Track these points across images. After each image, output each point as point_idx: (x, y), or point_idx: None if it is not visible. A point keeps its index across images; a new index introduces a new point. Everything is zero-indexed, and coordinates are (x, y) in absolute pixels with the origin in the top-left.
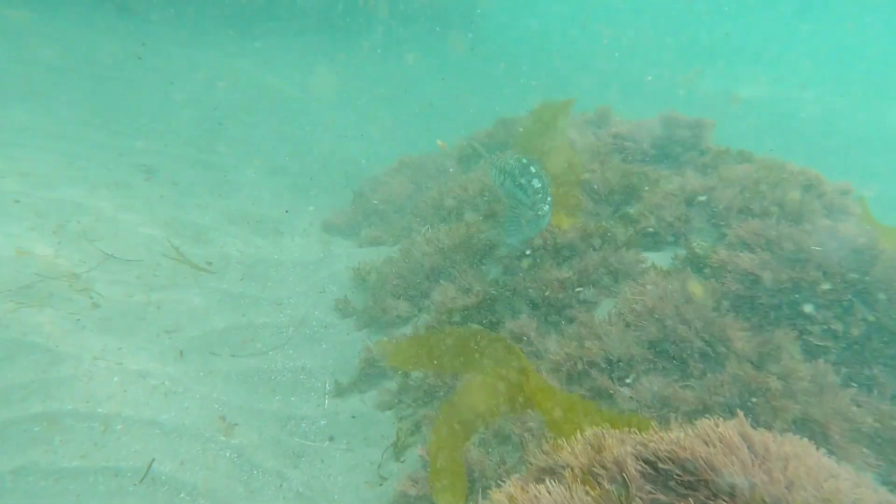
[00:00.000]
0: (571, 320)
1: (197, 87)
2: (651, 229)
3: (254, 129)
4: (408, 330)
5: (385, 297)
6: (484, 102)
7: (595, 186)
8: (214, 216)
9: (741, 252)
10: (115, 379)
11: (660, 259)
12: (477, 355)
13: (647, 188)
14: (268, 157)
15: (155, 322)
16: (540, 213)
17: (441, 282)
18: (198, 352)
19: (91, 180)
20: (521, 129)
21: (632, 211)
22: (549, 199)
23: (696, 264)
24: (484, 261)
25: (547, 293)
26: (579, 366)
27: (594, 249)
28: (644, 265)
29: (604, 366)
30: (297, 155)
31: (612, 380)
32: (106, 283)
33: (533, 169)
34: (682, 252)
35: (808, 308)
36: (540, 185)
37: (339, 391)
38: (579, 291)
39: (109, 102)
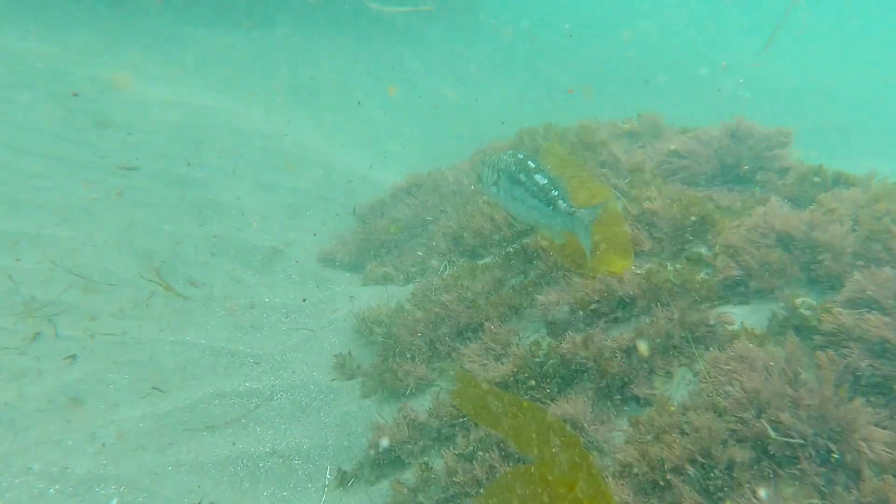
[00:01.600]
0: (638, 400)
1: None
2: (734, 277)
3: (244, 139)
4: (425, 401)
5: (396, 357)
6: (504, 108)
7: (653, 219)
8: (195, 246)
9: (869, 313)
10: (51, 492)
11: (748, 317)
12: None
13: (721, 221)
14: (259, 170)
15: (111, 397)
16: (570, 211)
17: (467, 341)
18: (165, 435)
19: (49, 204)
20: (544, 144)
21: (704, 251)
22: (566, 194)
23: (801, 327)
24: (520, 313)
25: (606, 364)
26: (657, 472)
27: (662, 305)
28: (731, 327)
29: (692, 472)
30: (292, 168)
31: (706, 493)
32: (52, 359)
33: (531, 164)
34: (777, 309)
35: None
36: (546, 181)
37: (342, 481)
38: (647, 361)
39: (76, 108)
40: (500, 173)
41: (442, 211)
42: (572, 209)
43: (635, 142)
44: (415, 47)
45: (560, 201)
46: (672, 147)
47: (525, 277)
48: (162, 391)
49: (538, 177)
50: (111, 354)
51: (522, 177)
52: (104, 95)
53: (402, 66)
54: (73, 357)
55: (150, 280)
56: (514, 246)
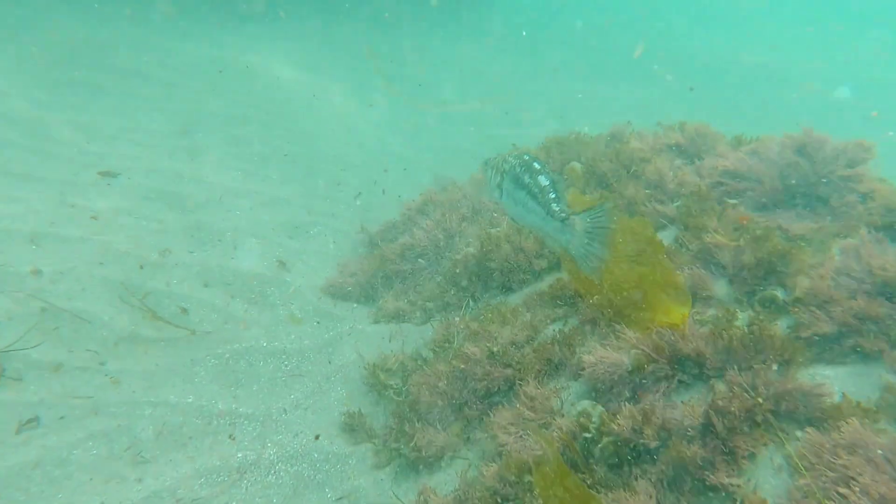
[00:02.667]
0: (715, 491)
1: (183, 79)
2: (825, 333)
3: (244, 147)
4: (450, 478)
5: (414, 419)
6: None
7: (716, 255)
8: (184, 277)
9: None
10: None
11: (847, 383)
12: None
13: (798, 257)
14: (262, 179)
15: (73, 485)
16: (558, 217)
17: (498, 405)
18: None
19: (7, 223)
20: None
21: (780, 294)
22: (563, 199)
23: None
24: (560, 369)
25: (672, 444)
26: None
27: (739, 368)
28: (829, 399)
29: None
30: (296, 177)
31: None
32: None
33: (537, 165)
34: (883, 373)
35: None
36: (548, 183)
37: None
38: (723, 439)
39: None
40: (504, 175)
41: (461, 235)
42: (565, 213)
43: (681, 156)
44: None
45: (553, 205)
46: (726, 164)
47: (564, 324)
48: (137, 478)
49: (541, 178)
50: (78, 423)
51: (527, 178)
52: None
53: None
54: (34, 421)
55: (133, 317)
56: (548, 280)
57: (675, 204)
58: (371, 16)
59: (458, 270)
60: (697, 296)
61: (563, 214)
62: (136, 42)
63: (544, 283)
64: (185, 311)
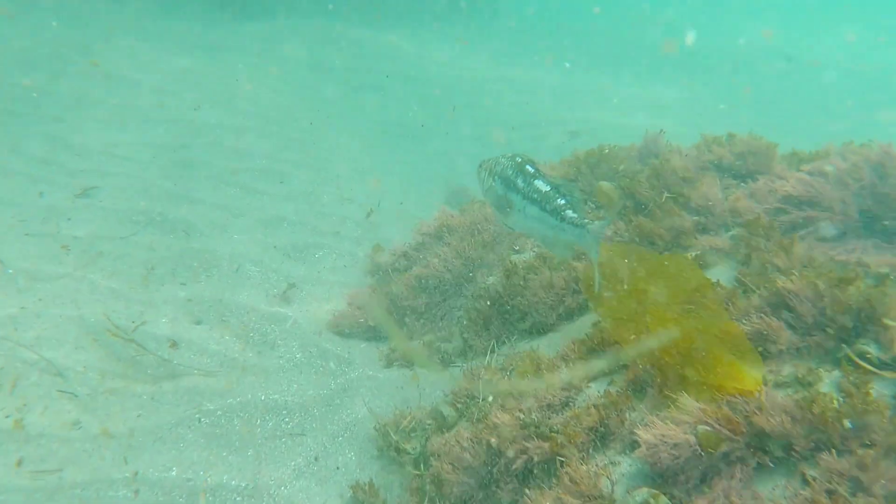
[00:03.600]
0: None
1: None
2: None
3: (243, 160)
4: None
5: (436, 500)
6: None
7: (791, 302)
8: (173, 315)
9: None
10: None
11: None
12: None
13: (891, 303)
14: (261, 195)
15: None
16: (580, 223)
17: (536, 486)
18: None
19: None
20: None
21: (874, 352)
22: (577, 204)
23: None
24: (608, 441)
25: None
26: None
27: (833, 449)
28: None
29: None
30: (299, 193)
31: None
32: None
33: (530, 168)
34: None
35: None
36: (550, 188)
37: None
38: None
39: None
40: (496, 177)
41: (483, 264)
42: (584, 221)
43: (727, 173)
44: None
45: (569, 211)
46: (787, 189)
47: (609, 382)
48: None
49: (539, 183)
50: None
51: (520, 182)
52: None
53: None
54: None
55: (111, 367)
56: (581, 321)
57: (729, 234)
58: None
59: (479, 308)
60: (768, 350)
61: (582, 221)
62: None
63: (578, 326)
64: (173, 355)
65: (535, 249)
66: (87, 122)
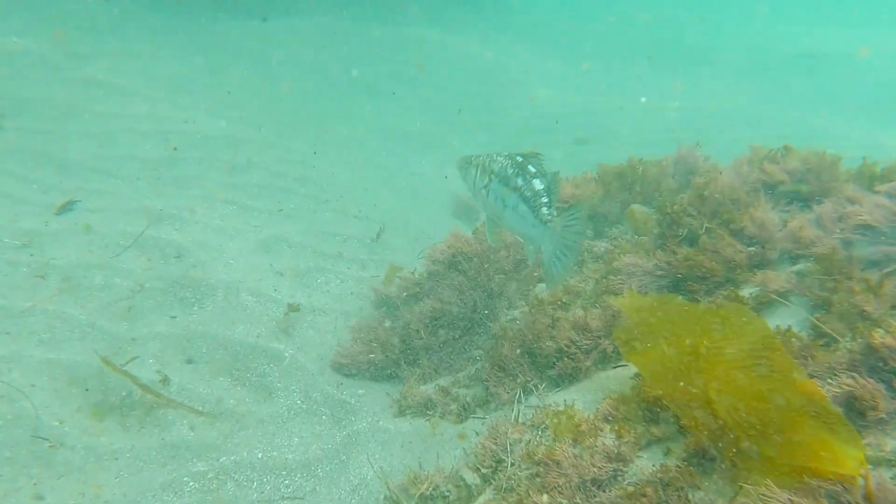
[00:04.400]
0: None
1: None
2: None
3: (240, 176)
4: None
5: None
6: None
7: (889, 361)
8: (161, 354)
9: None
10: None
11: None
12: None
13: None
14: (260, 213)
15: None
16: (544, 218)
17: None
18: None
19: None
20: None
21: None
22: (553, 204)
23: None
24: None
25: None
26: None
27: None
28: None
29: None
30: (301, 209)
31: None
32: None
33: (532, 168)
34: None
35: None
36: (542, 187)
37: None
38: None
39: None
40: (493, 176)
41: (503, 295)
42: (550, 216)
43: (783, 196)
44: None
45: (544, 209)
46: (862, 216)
47: (666, 453)
48: None
49: (536, 182)
50: None
51: (520, 181)
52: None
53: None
54: None
55: (88, 422)
56: (625, 370)
57: (794, 268)
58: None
59: (502, 351)
60: (864, 419)
61: (549, 217)
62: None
63: (617, 375)
64: (158, 404)
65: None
66: (72, 135)
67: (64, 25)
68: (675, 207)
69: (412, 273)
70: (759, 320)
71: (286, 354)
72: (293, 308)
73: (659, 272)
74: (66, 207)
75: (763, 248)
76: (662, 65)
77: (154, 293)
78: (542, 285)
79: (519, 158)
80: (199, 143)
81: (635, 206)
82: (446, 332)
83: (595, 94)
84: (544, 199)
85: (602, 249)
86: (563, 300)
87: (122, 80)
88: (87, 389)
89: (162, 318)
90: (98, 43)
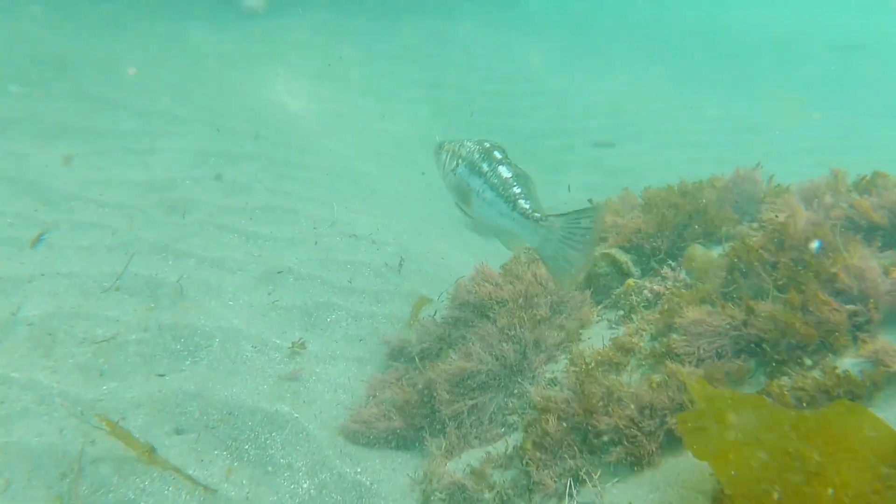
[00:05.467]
0: None
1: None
2: None
3: (240, 195)
4: None
5: None
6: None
7: None
8: (145, 423)
9: None
10: None
11: None
12: None
13: None
14: (264, 240)
15: None
16: (527, 215)
17: None
18: None
19: None
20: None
21: None
22: (532, 196)
23: None
24: None
25: None
26: None
27: None
28: None
29: None
30: (306, 239)
31: None
32: None
33: (498, 154)
34: None
35: None
36: (511, 175)
37: None
38: None
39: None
40: (460, 161)
41: (540, 347)
42: (536, 215)
43: (878, 235)
44: None
45: (522, 201)
46: None
47: None
48: None
49: (502, 168)
50: None
51: (485, 166)
52: None
53: None
54: None
55: None
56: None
57: None
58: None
59: (545, 427)
60: None
61: (538, 215)
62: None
63: (691, 465)
64: (139, 495)
65: (602, 319)
66: (55, 157)
67: (61, 25)
68: (750, 255)
69: (433, 316)
70: (885, 427)
71: (291, 418)
72: (298, 346)
73: (733, 333)
74: (37, 240)
75: (865, 305)
76: (697, 68)
77: (140, 346)
78: (587, 334)
79: (487, 144)
80: (197, 161)
81: (697, 248)
82: (475, 394)
83: (621, 94)
84: (517, 190)
85: (651, 292)
86: (615, 359)
87: (116, 94)
88: (52, 481)
89: (148, 377)
90: (96, 48)
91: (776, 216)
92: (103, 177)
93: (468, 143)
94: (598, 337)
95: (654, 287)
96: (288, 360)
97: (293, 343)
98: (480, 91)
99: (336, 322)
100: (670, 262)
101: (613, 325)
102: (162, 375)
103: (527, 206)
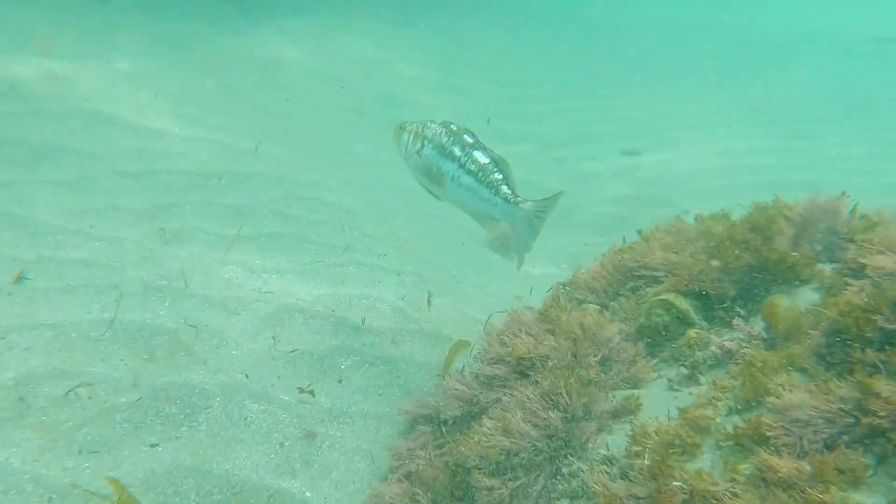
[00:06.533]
0: None
1: None
2: None
3: (242, 219)
4: None
5: None
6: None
7: None
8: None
9: None
10: None
11: None
12: None
13: None
14: (271, 272)
15: None
16: (514, 200)
17: None
18: None
19: None
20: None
21: None
22: (511, 179)
23: None
24: None
25: None
26: None
27: None
28: None
29: None
30: (316, 269)
31: None
32: None
33: (468, 138)
34: None
35: None
36: (489, 161)
37: None
38: None
39: None
40: (426, 142)
41: (590, 414)
42: (517, 199)
43: None
44: None
45: (504, 187)
46: None
47: None
48: None
49: (478, 154)
50: None
51: (457, 150)
52: None
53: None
54: None
55: None
56: None
57: None
58: None
59: None
60: None
61: (518, 198)
62: None
63: None
64: None
65: (660, 377)
66: (43, 185)
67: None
68: (858, 319)
69: (461, 372)
70: None
71: (301, 498)
72: (306, 391)
73: (846, 420)
74: (17, 281)
75: None
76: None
77: (130, 411)
78: (643, 396)
79: (454, 127)
80: (197, 183)
81: (782, 300)
82: (517, 473)
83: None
84: (498, 176)
85: (720, 348)
86: (688, 440)
87: (109, 107)
88: None
89: (138, 448)
90: (83, 58)
91: (883, 265)
92: (94, 205)
93: (433, 125)
94: (656, 400)
95: (725, 342)
96: (298, 421)
97: (301, 389)
98: (498, 96)
99: (351, 370)
100: (739, 310)
101: (675, 387)
102: (154, 446)
103: (509, 192)
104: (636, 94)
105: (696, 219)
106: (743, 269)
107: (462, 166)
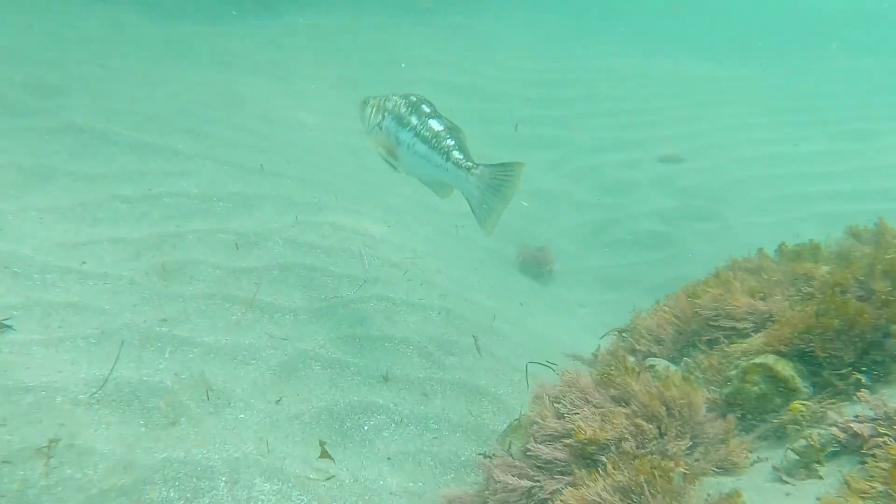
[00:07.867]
0: None
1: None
2: None
3: (250, 250)
4: None
5: None
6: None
7: None
8: None
9: None
10: None
11: None
12: None
13: None
14: (277, 320)
15: None
16: (465, 165)
17: None
18: None
19: None
20: None
21: None
22: (464, 147)
23: None
24: None
25: None
26: None
27: None
28: None
29: None
30: (333, 308)
31: None
32: None
33: (426, 108)
34: None
35: None
36: (443, 128)
37: None
38: None
39: None
40: (386, 114)
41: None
42: (468, 163)
43: None
44: None
45: (455, 152)
46: None
47: None
48: None
49: (433, 122)
50: None
51: (413, 119)
52: None
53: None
54: None
55: None
56: None
57: None
58: None
59: None
60: None
61: (469, 163)
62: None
63: None
64: None
65: (761, 460)
66: (30, 213)
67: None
68: None
69: (508, 451)
70: None
71: None
72: (323, 454)
73: None
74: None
75: None
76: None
77: (120, 500)
78: (741, 487)
79: (413, 98)
80: (201, 207)
81: None
82: None
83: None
84: (450, 142)
85: (843, 431)
86: None
87: (106, 124)
88: None
89: None
90: (77, 67)
91: None
92: (88, 237)
93: (394, 97)
94: (760, 494)
95: (850, 424)
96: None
97: (319, 451)
98: (522, 98)
99: (376, 431)
100: (860, 376)
101: (784, 478)
102: None
103: (460, 157)
104: (672, 93)
105: (777, 251)
106: (866, 328)
107: (417, 134)
